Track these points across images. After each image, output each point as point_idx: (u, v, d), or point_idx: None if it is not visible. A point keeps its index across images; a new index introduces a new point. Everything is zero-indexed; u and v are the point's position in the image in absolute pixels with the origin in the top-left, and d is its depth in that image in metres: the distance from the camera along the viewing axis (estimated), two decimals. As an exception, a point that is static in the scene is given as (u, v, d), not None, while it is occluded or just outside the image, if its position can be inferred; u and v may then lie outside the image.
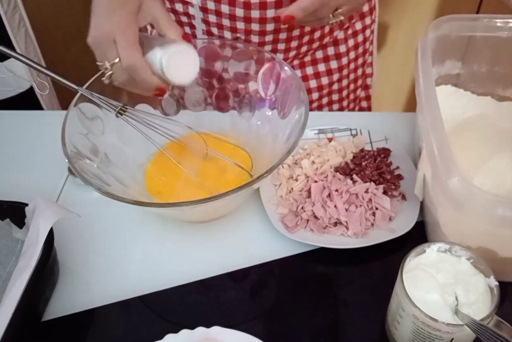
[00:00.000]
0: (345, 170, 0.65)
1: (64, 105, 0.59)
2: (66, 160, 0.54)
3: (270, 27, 0.74)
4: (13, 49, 0.94)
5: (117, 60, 0.53)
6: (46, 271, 0.53)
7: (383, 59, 1.42)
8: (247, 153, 0.66)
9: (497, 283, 0.44)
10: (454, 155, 0.48)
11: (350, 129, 0.71)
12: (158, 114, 0.67)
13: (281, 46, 0.78)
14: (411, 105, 1.53)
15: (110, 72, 0.54)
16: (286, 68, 0.63)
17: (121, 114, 0.58)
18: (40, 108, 1.02)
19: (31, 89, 1.00)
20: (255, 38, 0.76)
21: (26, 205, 0.56)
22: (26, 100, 1.00)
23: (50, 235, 0.54)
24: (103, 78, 0.55)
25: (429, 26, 0.62)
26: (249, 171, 0.64)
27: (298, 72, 0.84)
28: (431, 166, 0.51)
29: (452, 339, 0.44)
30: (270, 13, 0.71)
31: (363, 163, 0.64)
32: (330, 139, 0.70)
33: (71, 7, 1.42)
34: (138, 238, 0.63)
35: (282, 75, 0.63)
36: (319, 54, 0.83)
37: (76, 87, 0.58)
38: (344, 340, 0.53)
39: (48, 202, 0.55)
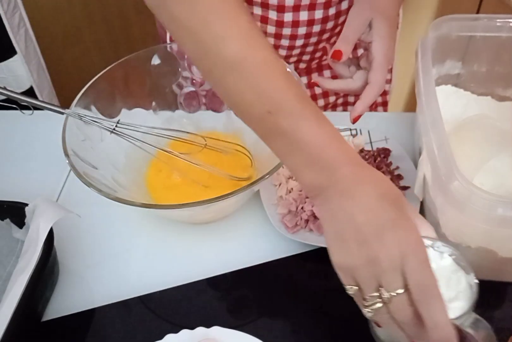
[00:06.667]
0: (345, 170, 0.65)
1: (64, 105, 0.59)
2: (70, 168, 0.54)
3: (299, 42, 0.75)
4: (12, 49, 0.94)
5: (400, 291, 0.38)
6: (46, 271, 0.53)
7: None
8: (247, 152, 0.66)
9: (477, 281, 0.43)
10: (454, 155, 0.48)
11: (350, 129, 0.71)
12: (152, 114, 0.68)
13: (306, 57, 0.79)
14: (411, 105, 1.53)
15: (379, 306, 0.39)
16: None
17: (116, 132, 0.59)
18: (40, 108, 1.02)
19: (31, 89, 1.00)
20: (282, 52, 0.77)
21: (26, 205, 0.56)
22: (26, 100, 1.00)
23: (50, 235, 0.54)
24: (368, 311, 0.40)
25: (429, 26, 0.62)
26: (247, 174, 0.64)
27: (316, 76, 0.84)
28: (431, 167, 0.51)
29: None
30: (302, 30, 0.72)
31: (363, 163, 0.64)
32: (330, 139, 0.70)
33: (71, 7, 1.42)
34: (138, 238, 0.63)
35: None
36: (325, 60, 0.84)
37: (63, 111, 0.57)
38: (344, 340, 0.53)
39: (48, 202, 0.55)
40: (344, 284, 0.41)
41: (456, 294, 0.44)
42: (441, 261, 0.46)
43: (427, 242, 0.45)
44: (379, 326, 0.43)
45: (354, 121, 0.60)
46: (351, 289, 0.41)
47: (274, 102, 0.41)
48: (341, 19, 0.73)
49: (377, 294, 0.39)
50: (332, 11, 0.70)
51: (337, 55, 0.58)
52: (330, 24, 0.72)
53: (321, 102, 0.86)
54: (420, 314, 0.38)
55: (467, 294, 0.44)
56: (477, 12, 1.28)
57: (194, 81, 0.69)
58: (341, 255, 0.40)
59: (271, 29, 0.72)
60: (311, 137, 0.41)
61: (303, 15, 0.70)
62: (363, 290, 0.40)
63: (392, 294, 0.38)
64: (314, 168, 0.41)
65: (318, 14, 0.70)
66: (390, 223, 0.39)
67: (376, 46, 0.58)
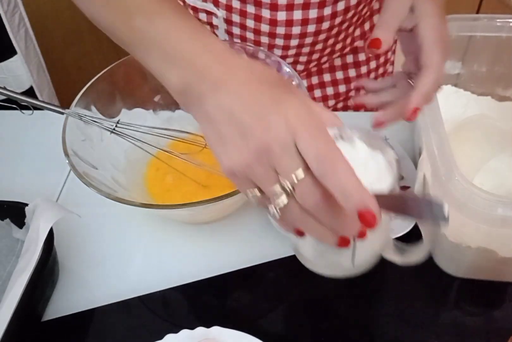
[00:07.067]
0: (345, 170, 0.64)
1: (64, 105, 0.59)
2: (70, 168, 0.54)
3: (294, 42, 0.74)
4: (12, 49, 0.94)
5: (301, 174, 0.34)
6: (46, 271, 0.53)
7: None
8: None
9: (396, 157, 0.39)
10: (454, 155, 0.48)
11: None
12: (152, 114, 0.68)
13: (303, 58, 0.79)
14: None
15: (285, 202, 0.35)
16: (283, 66, 0.63)
17: (116, 132, 0.59)
18: (40, 108, 1.02)
19: (31, 89, 1.00)
20: (278, 52, 0.76)
21: (26, 205, 0.56)
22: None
23: (50, 235, 0.54)
24: (273, 211, 0.36)
25: (429, 26, 0.62)
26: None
27: (316, 79, 0.84)
28: (431, 167, 0.51)
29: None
30: (296, 30, 0.72)
31: (363, 164, 0.64)
32: (330, 139, 0.69)
33: (71, 7, 1.42)
34: (138, 237, 0.63)
35: (281, 72, 0.63)
36: (337, 62, 0.83)
37: (63, 111, 0.57)
38: (344, 340, 0.53)
39: (48, 202, 0.55)
40: (243, 191, 0.37)
41: (377, 178, 0.40)
42: (353, 149, 0.41)
43: (334, 131, 0.40)
44: (300, 234, 0.38)
45: (410, 118, 0.48)
46: (251, 194, 0.37)
47: (128, 6, 0.39)
48: (337, 20, 0.72)
49: (279, 188, 0.35)
50: (327, 11, 0.70)
51: (376, 43, 0.48)
52: (325, 25, 0.72)
53: (332, 102, 0.86)
54: (328, 189, 0.33)
55: (388, 174, 0.40)
56: (477, 12, 1.28)
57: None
58: (228, 158, 0.36)
59: (265, 27, 0.72)
60: (167, 32, 0.38)
61: (297, 14, 0.70)
62: (263, 188, 0.36)
63: (294, 180, 0.34)
64: (176, 65, 0.37)
65: (313, 13, 0.70)
66: (270, 104, 0.35)
67: (424, 26, 0.48)
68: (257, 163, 0.35)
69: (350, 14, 0.73)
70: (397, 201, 0.36)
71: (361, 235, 0.36)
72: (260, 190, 0.36)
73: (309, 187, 0.34)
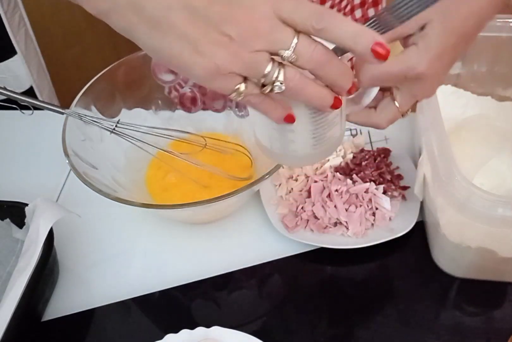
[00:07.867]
0: (345, 170, 0.65)
1: (64, 105, 0.59)
2: (70, 168, 0.54)
3: None
4: (12, 49, 0.94)
5: (294, 40, 0.32)
6: (46, 271, 0.53)
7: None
8: (247, 152, 0.66)
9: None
10: (454, 155, 0.48)
11: (350, 129, 0.71)
12: (152, 114, 0.68)
13: None
14: (411, 105, 1.53)
15: (282, 72, 0.33)
16: None
17: (116, 132, 0.59)
18: (40, 108, 1.02)
19: (31, 89, 1.00)
20: None
21: (26, 205, 0.56)
22: (26, 100, 1.00)
23: (50, 235, 0.54)
24: (273, 90, 0.33)
25: (429, 26, 0.62)
26: (247, 174, 0.64)
27: None
28: (431, 167, 0.51)
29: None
30: None
31: (363, 163, 0.64)
32: (330, 139, 0.69)
33: (71, 7, 1.42)
34: (138, 238, 0.63)
35: None
36: None
37: (63, 111, 0.57)
38: (344, 340, 0.53)
39: (48, 202, 0.55)
40: (228, 91, 0.34)
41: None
42: None
43: None
44: (291, 120, 0.37)
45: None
46: (238, 91, 0.34)
47: None
48: None
49: (271, 65, 0.32)
50: None
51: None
52: None
53: None
54: (335, 40, 0.33)
55: None
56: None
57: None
58: (209, 58, 0.32)
59: None
60: None
61: None
62: (255, 73, 0.33)
63: (293, 47, 0.32)
64: None
65: None
66: None
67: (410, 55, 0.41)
68: (248, 49, 0.32)
69: (327, 5, 0.73)
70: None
71: (353, 87, 0.36)
72: (245, 81, 0.34)
73: (310, 44, 0.33)
